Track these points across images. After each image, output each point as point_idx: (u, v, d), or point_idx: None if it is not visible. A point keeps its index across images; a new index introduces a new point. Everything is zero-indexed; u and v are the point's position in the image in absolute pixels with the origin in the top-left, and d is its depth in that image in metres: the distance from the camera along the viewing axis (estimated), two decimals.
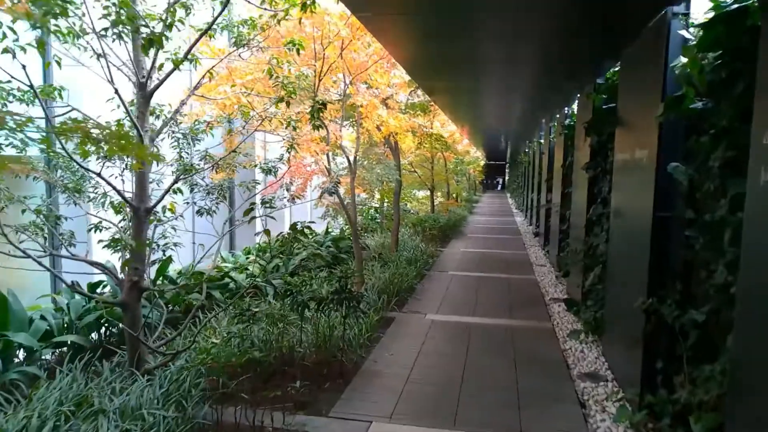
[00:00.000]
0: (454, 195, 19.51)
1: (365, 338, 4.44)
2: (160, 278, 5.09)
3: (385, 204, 11.17)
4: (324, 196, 6.55)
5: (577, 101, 6.98)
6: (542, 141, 12.68)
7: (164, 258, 4.86)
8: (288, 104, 3.71)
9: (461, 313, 5.74)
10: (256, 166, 5.41)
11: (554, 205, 8.70)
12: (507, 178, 42.95)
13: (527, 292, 6.86)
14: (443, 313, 5.73)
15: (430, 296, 6.45)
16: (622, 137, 4.32)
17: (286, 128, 4.28)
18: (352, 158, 5.90)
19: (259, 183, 5.94)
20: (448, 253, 10.07)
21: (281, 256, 6.73)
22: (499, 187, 47.93)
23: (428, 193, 13.55)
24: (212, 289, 5.06)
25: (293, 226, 8.15)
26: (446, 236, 12.14)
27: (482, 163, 32.01)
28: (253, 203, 5.39)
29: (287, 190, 5.73)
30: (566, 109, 8.16)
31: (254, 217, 5.00)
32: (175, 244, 4.36)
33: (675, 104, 2.90)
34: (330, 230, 8.95)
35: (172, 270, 5.62)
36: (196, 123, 4.43)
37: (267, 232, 6.66)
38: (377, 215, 11.44)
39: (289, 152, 4.42)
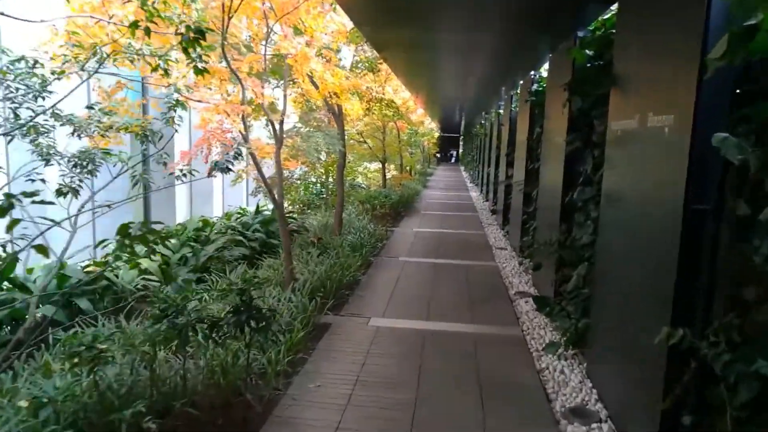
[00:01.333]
0: (408, 168, 18.49)
1: (284, 364, 3.33)
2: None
3: (331, 178, 9.97)
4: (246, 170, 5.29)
5: (548, 62, 5.99)
6: (502, 111, 11.76)
7: (7, 256, 3.52)
8: (148, 33, 2.44)
9: (413, 315, 4.73)
10: (129, 130, 4.06)
11: (516, 182, 7.80)
12: (461, 150, 42.41)
13: (489, 283, 5.95)
14: (391, 315, 4.70)
15: (376, 291, 5.40)
16: (619, 100, 3.33)
17: (153, 71, 3.00)
18: (278, 124, 4.66)
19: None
20: (400, 234, 9.05)
21: (193, 244, 5.46)
22: (453, 160, 47.44)
23: (380, 165, 12.42)
24: (78, 296, 3.77)
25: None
26: (398, 213, 11.12)
27: (437, 135, 31.15)
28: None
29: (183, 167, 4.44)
30: (533, 74, 7.17)
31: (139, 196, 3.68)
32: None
33: (740, 42, 1.88)
34: (262, 209, 7.69)
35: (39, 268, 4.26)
36: (35, 65, 3.06)
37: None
38: (323, 190, 10.24)
39: (174, 110, 3.15)
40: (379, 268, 6.41)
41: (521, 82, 8.26)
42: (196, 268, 4.99)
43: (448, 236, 9.02)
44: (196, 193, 9.51)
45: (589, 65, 4.34)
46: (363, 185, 14.40)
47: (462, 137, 39.47)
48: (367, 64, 7.03)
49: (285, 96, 4.74)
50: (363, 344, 3.98)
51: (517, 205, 7.82)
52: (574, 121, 4.62)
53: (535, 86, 6.92)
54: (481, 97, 12.67)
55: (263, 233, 6.32)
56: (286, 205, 9.82)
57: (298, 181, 8.26)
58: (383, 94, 8.53)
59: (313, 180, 9.44)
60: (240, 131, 4.44)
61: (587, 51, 4.38)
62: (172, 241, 5.38)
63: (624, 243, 3.05)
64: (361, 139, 11.30)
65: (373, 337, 4.15)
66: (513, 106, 9.45)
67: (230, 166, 3.57)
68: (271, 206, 9.40)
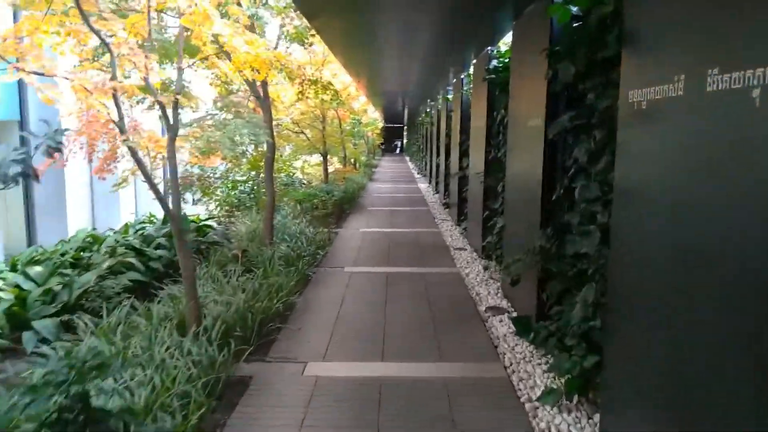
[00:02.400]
0: (352, 160, 17.34)
1: None
2: None
3: (263, 175, 8.67)
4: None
5: (513, 31, 5.03)
6: (451, 96, 10.85)
7: None
8: None
9: (363, 354, 3.64)
10: None
11: (475, 173, 6.88)
12: (405, 141, 41.70)
13: (453, 297, 4.95)
14: (335, 357, 3.58)
15: (315, 321, 4.26)
16: (640, 61, 2.37)
17: None
18: (170, 108, 3.39)
19: None
20: (345, 237, 7.92)
21: (68, 271, 4.07)
22: (398, 151, 46.70)
23: (321, 159, 11.18)
24: None
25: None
26: (343, 212, 9.97)
27: (380, 125, 30.16)
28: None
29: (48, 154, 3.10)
30: (489, 49, 6.23)
31: None
32: None
33: None
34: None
35: None
36: None
37: None
38: (254, 189, 8.89)
39: None
40: (320, 285, 5.26)
41: (474, 61, 7.32)
42: (66, 307, 3.65)
43: (399, 237, 7.99)
44: (99, 196, 7.92)
45: (577, 24, 3.39)
46: (303, 180, 13.12)
47: (406, 127, 38.77)
48: (294, 35, 5.81)
49: (179, 69, 3.46)
50: (296, 408, 2.85)
51: (475, 199, 6.91)
52: (557, 97, 3.67)
53: (493, 63, 5.97)
54: (426, 82, 11.71)
55: (170, 250, 5.00)
56: (210, 208, 8.43)
57: (219, 181, 6.94)
58: (320, 76, 7.34)
59: (241, 178, 8.11)
60: (112, 118, 3.14)
61: (571, 7, 3.41)
62: (37, 269, 3.97)
63: (673, 260, 2.08)
64: (298, 130, 10.03)
65: (311, 394, 3.01)
66: (465, 89, 8.53)
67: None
68: (196, 211, 7.98)
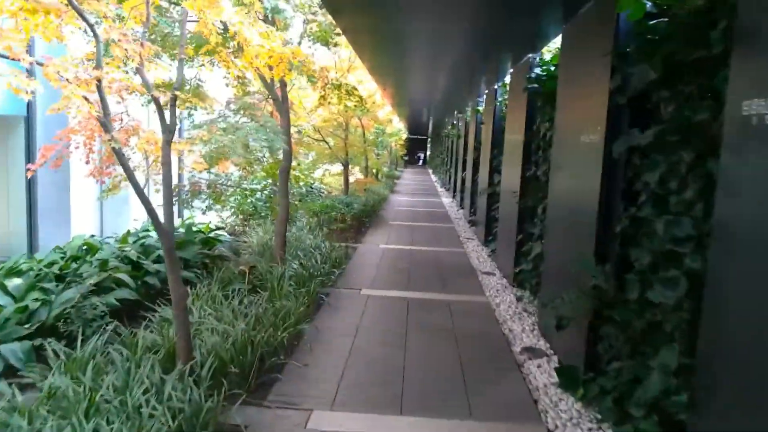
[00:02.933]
0: (374, 171, 16.87)
1: None
2: None
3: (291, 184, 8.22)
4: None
5: (562, 36, 4.47)
6: (482, 108, 10.30)
7: None
8: None
9: (378, 402, 3.07)
10: None
11: (509, 191, 6.30)
12: (429, 153, 41.18)
13: (483, 334, 4.36)
14: (345, 404, 3.03)
15: (324, 357, 3.71)
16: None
17: None
18: (168, 106, 2.92)
19: None
20: (364, 254, 7.39)
21: (48, 285, 3.62)
22: (421, 162, 46.25)
23: (342, 168, 10.72)
24: None
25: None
26: (362, 225, 9.46)
27: (404, 136, 29.76)
28: None
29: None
30: (531, 56, 5.66)
31: None
32: None
33: None
34: (184, 225, 5.82)
35: None
36: None
37: None
38: (271, 198, 8.44)
39: None
40: (333, 311, 4.72)
41: (511, 69, 6.77)
42: (43, 328, 3.18)
43: (421, 256, 7.41)
44: (109, 199, 7.55)
45: (654, 22, 2.81)
46: (323, 190, 12.68)
47: (430, 139, 38.25)
48: (318, 34, 5.35)
49: (180, 60, 3.00)
50: None
51: (508, 220, 6.31)
52: (621, 108, 3.09)
53: (536, 71, 5.41)
54: (454, 92, 11.18)
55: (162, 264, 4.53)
56: (224, 216, 7.99)
57: (230, 189, 6.50)
58: (344, 79, 6.88)
59: (255, 186, 7.65)
60: (96, 115, 2.67)
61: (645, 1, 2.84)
62: (16, 281, 3.52)
63: None
64: (320, 137, 9.59)
65: None
66: (499, 100, 7.97)
67: None
68: (208, 219, 7.57)
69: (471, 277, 6.32)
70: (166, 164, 2.84)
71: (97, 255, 4.28)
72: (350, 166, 14.61)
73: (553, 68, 4.93)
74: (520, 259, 5.70)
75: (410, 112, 20.45)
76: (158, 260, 4.50)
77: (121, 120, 3.23)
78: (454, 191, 15.12)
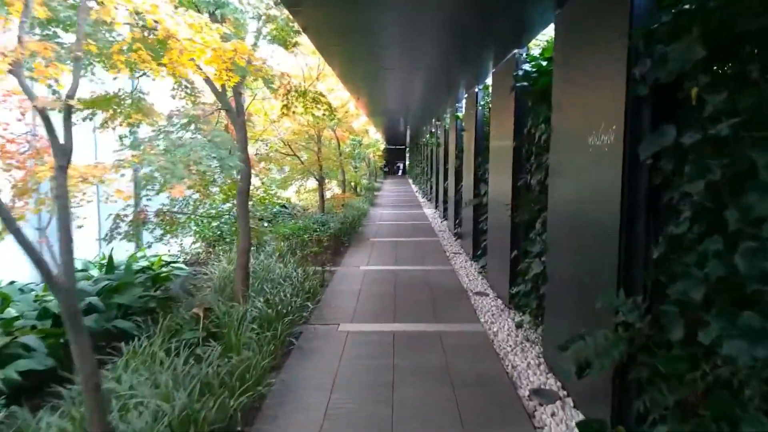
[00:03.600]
0: (353, 184, 16.20)
1: None
2: None
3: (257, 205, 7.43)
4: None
5: (556, 23, 3.89)
6: (461, 114, 9.75)
7: None
8: None
9: None
10: None
11: (497, 202, 5.70)
12: (408, 162, 40.75)
13: (482, 375, 3.69)
14: None
15: (291, 427, 3.00)
16: None
17: None
18: (59, 119, 2.22)
19: None
20: (342, 279, 6.69)
21: None
22: (400, 172, 45.83)
23: (317, 183, 9.99)
24: None
25: None
26: (341, 244, 8.76)
27: (382, 147, 29.26)
28: None
29: None
30: (518, 52, 5.09)
31: None
32: None
33: None
34: (125, 263, 4.98)
35: None
36: None
37: None
38: (233, 224, 7.67)
39: None
40: (305, 357, 4.01)
41: (493, 70, 6.20)
42: None
43: (406, 276, 6.75)
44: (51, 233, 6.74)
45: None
46: (298, 208, 11.96)
47: (408, 149, 37.82)
48: (275, 33, 4.67)
49: (76, 59, 2.29)
50: None
51: (499, 234, 5.70)
52: (641, 102, 2.49)
53: (525, 67, 4.83)
54: (431, 98, 10.63)
55: (106, 312, 3.76)
56: (186, 244, 7.20)
57: (185, 216, 5.73)
58: (313, 88, 6.21)
59: (214, 210, 6.83)
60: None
61: None
62: None
63: None
64: (290, 151, 8.89)
65: None
66: (481, 104, 7.41)
67: None
68: (167, 249, 6.78)
69: (462, 299, 5.67)
70: (61, 197, 2.13)
71: (8, 308, 3.51)
72: (326, 181, 13.94)
73: (545, 63, 4.36)
74: (517, 278, 5.07)
75: (387, 121, 19.90)
76: (89, 311, 3.72)
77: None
78: (437, 201, 14.54)
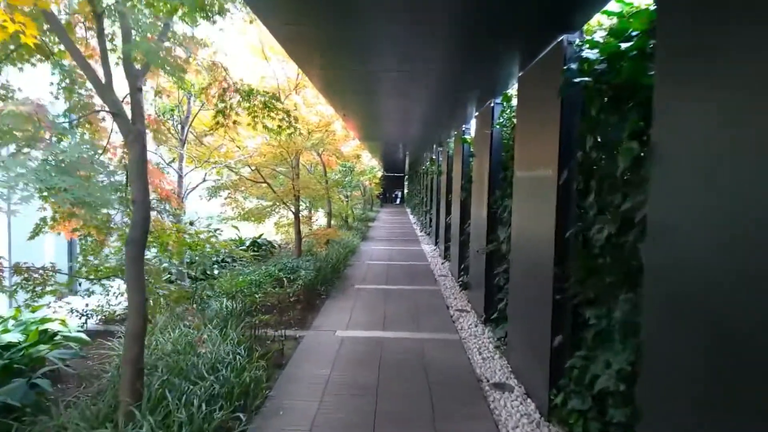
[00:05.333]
0: (344, 215, 14.46)
1: None
2: None
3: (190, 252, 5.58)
4: None
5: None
6: (469, 137, 8.12)
7: None
8: None
9: None
10: None
11: (526, 254, 3.97)
12: (406, 191, 39.15)
13: None
14: None
15: None
16: None
17: None
18: None
19: None
20: (308, 353, 4.88)
21: None
22: (398, 201, 44.25)
23: (294, 218, 8.22)
24: None
25: None
26: (316, 295, 6.95)
27: (379, 174, 27.75)
28: None
29: None
30: (567, 37, 3.44)
31: None
32: None
33: None
34: None
35: None
36: None
37: None
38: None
39: None
40: None
41: (520, 74, 4.56)
42: None
43: (397, 352, 4.94)
44: None
45: None
46: (276, 243, 10.19)
47: (407, 176, 36.27)
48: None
49: None
50: None
51: (530, 304, 3.94)
52: None
53: (586, 54, 3.15)
54: (432, 119, 9.02)
55: None
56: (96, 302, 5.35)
57: (57, 272, 3.99)
58: (288, 101, 4.54)
59: (113, 262, 4.98)
60: None
61: None
62: None
63: None
64: (258, 178, 7.18)
65: None
66: (498, 121, 5.76)
67: None
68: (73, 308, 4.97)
69: (476, 399, 3.86)
70: None
71: None
72: (312, 212, 12.22)
73: (626, 44, 2.68)
74: (560, 377, 3.29)
75: (384, 147, 18.35)
76: None
77: None
78: (436, 237, 12.80)
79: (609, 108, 2.76)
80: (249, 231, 10.28)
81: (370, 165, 20.88)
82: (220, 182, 7.02)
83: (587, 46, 3.06)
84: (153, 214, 3.93)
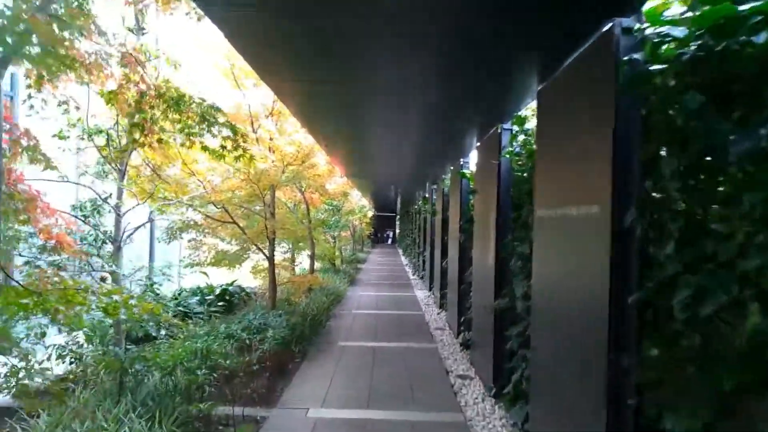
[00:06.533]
0: (330, 259, 13.34)
1: None
2: None
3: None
4: None
5: None
6: (468, 172, 7.20)
7: None
8: None
9: None
10: None
11: (547, 313, 2.93)
12: (398, 231, 38.15)
13: None
14: None
15: None
16: None
17: None
18: None
19: None
20: None
21: None
22: (390, 241, 43.23)
23: (268, 263, 7.12)
24: None
25: None
26: (289, 357, 5.78)
27: (370, 213, 26.83)
28: None
29: None
30: (618, 21, 2.56)
31: None
32: None
33: None
34: None
35: None
36: None
37: None
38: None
39: None
40: None
41: (539, 88, 3.65)
42: None
43: None
44: None
45: None
46: (252, 290, 9.03)
47: (399, 216, 35.38)
48: None
49: None
50: None
51: (562, 380, 2.87)
52: None
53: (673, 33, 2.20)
54: (425, 152, 8.14)
55: None
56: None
57: None
58: (261, 129, 3.53)
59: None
60: None
61: None
62: None
63: None
64: (226, 218, 6.14)
65: None
66: (507, 149, 4.82)
67: None
68: None
69: None
70: None
71: None
72: (295, 254, 11.12)
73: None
74: None
75: (374, 185, 17.48)
76: None
77: None
78: (431, 281, 11.69)
79: (705, 112, 1.79)
80: (222, 277, 9.14)
81: (360, 204, 19.94)
82: (177, 223, 5.98)
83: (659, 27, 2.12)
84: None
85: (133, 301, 2.83)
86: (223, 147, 3.15)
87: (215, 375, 4.08)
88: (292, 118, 5.94)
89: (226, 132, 3.10)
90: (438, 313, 9.24)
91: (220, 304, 7.73)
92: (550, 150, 3.34)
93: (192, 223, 6.04)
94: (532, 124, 4.43)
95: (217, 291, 8.32)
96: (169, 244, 6.63)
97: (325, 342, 6.80)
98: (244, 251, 7.08)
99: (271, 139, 6.00)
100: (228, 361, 4.28)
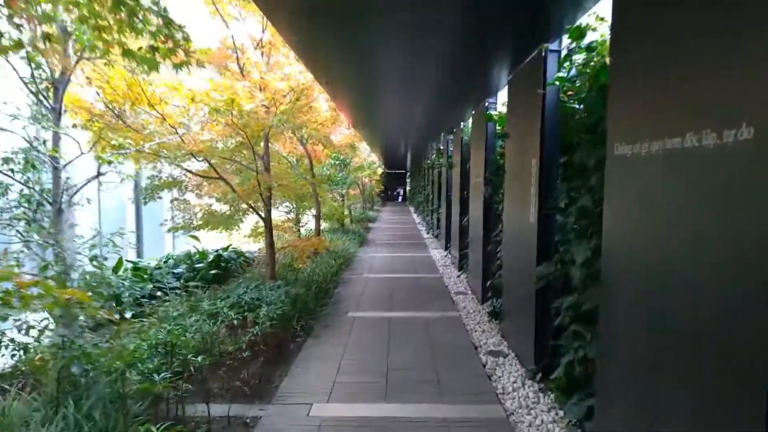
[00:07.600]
0: (337, 219, 12.44)
1: None
2: None
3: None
4: None
5: None
6: (494, 112, 6.14)
7: None
8: None
9: None
10: None
11: (639, 299, 1.97)
12: (408, 188, 37.05)
13: None
14: None
15: None
16: None
17: None
18: None
19: None
20: None
21: None
22: (400, 199, 42.22)
23: (264, 226, 6.20)
24: None
25: None
26: (289, 336, 4.96)
27: (380, 171, 25.76)
28: None
29: None
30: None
31: None
32: None
33: None
34: None
35: None
36: None
37: None
38: None
39: None
40: None
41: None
42: None
43: None
44: None
45: None
46: (252, 255, 8.19)
47: (409, 173, 34.21)
48: None
49: None
50: None
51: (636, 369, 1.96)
52: None
53: None
54: (443, 95, 7.04)
55: None
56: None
57: None
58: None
59: None
60: None
61: None
62: None
63: None
64: (209, 173, 5.19)
65: None
66: (553, 77, 3.76)
67: None
68: None
69: None
70: None
71: None
72: (300, 214, 10.21)
73: None
74: None
75: (384, 141, 16.35)
76: None
77: None
78: (447, 241, 10.78)
79: None
80: (219, 242, 8.30)
81: (369, 160, 18.85)
82: (153, 180, 5.07)
83: None
84: None
85: (34, 290, 1.96)
86: (154, 48, 2.15)
87: (188, 373, 3.25)
88: (285, 48, 4.87)
89: (158, 22, 2.08)
90: (458, 276, 8.37)
91: (212, 272, 6.90)
92: (643, 57, 2.28)
93: (170, 180, 5.13)
94: (595, 35, 3.34)
95: (211, 257, 7.48)
96: (146, 204, 5.75)
97: (332, 314, 5.97)
98: (236, 212, 6.17)
99: (261, 78, 4.95)
100: (200, 357, 3.42)
